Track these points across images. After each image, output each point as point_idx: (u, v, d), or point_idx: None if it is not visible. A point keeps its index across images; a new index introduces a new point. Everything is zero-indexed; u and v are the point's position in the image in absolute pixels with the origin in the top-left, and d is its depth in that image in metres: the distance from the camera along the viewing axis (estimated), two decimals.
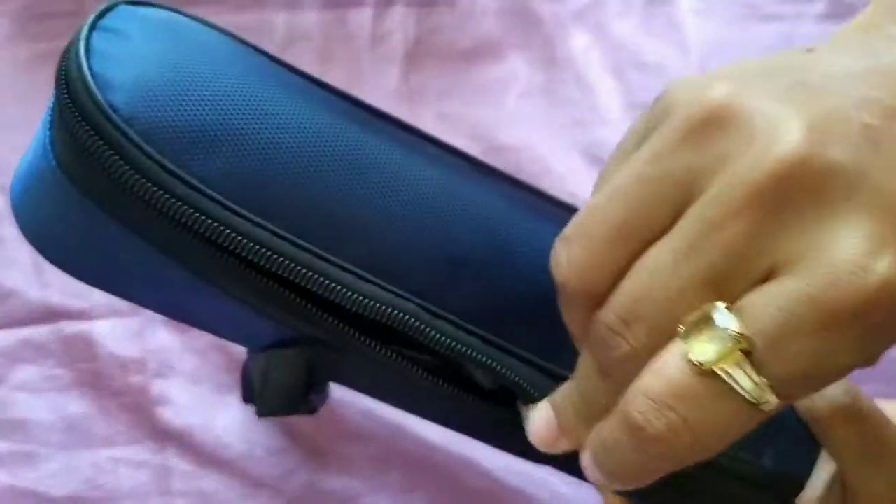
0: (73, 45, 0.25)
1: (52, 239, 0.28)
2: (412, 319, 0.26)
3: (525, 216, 0.30)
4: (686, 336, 0.21)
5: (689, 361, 0.21)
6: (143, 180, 0.24)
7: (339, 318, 0.26)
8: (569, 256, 0.23)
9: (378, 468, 0.41)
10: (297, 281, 0.25)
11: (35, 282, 0.41)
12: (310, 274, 0.25)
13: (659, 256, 0.21)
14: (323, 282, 0.25)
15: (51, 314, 0.41)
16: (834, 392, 0.29)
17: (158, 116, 0.24)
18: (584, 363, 0.24)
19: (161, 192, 0.24)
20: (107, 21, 0.26)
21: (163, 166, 0.24)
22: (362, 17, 0.45)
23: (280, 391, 0.28)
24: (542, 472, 0.42)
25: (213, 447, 0.40)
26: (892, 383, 0.49)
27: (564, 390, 0.25)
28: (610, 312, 0.22)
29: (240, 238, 0.24)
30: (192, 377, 0.41)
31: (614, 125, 0.46)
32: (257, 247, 0.25)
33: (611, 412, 0.22)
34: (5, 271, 0.41)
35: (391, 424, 0.41)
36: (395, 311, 0.26)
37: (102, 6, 0.27)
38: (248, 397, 0.30)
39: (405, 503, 0.42)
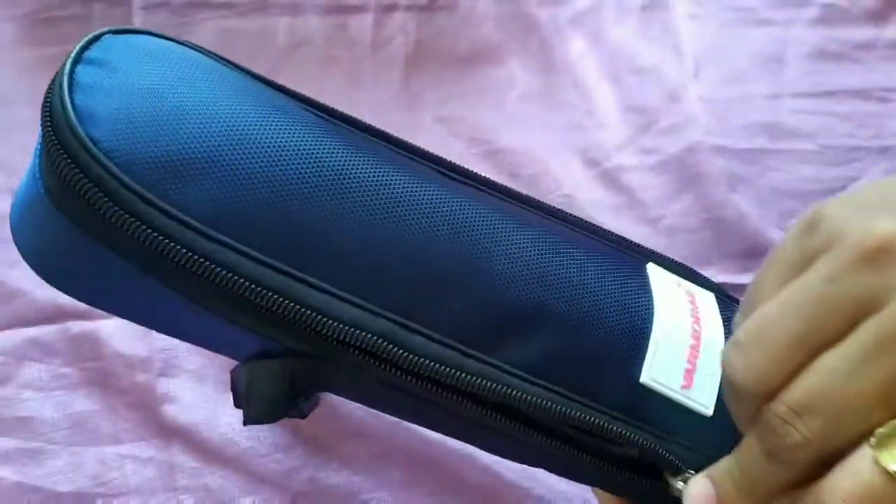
0: (58, 77, 0.26)
1: (46, 259, 0.29)
2: (383, 341, 0.27)
3: (511, 229, 0.30)
4: (878, 446, 0.24)
5: (883, 468, 0.24)
6: (121, 212, 0.25)
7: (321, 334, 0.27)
8: (745, 362, 0.26)
9: (379, 464, 0.42)
10: (273, 308, 0.26)
11: (42, 282, 0.41)
12: (284, 301, 0.26)
13: (835, 361, 0.25)
14: (297, 309, 0.26)
15: (58, 313, 0.41)
16: None
17: (139, 148, 0.25)
18: (749, 446, 0.27)
19: (138, 222, 0.25)
20: (92, 52, 0.27)
21: (142, 197, 0.25)
22: (363, 23, 0.45)
23: (263, 402, 0.29)
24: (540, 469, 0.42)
25: (217, 444, 0.41)
26: None
27: (723, 466, 0.28)
28: (782, 404, 0.25)
29: (213, 266, 0.25)
30: (197, 376, 0.42)
31: (611, 128, 0.46)
32: (230, 275, 0.25)
33: (795, 498, 0.26)
34: (12, 271, 0.41)
35: (392, 421, 0.41)
36: (368, 335, 0.27)
37: (87, 36, 0.27)
38: (238, 403, 0.31)
39: (406, 498, 0.42)
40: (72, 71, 0.26)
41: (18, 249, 0.29)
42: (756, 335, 0.26)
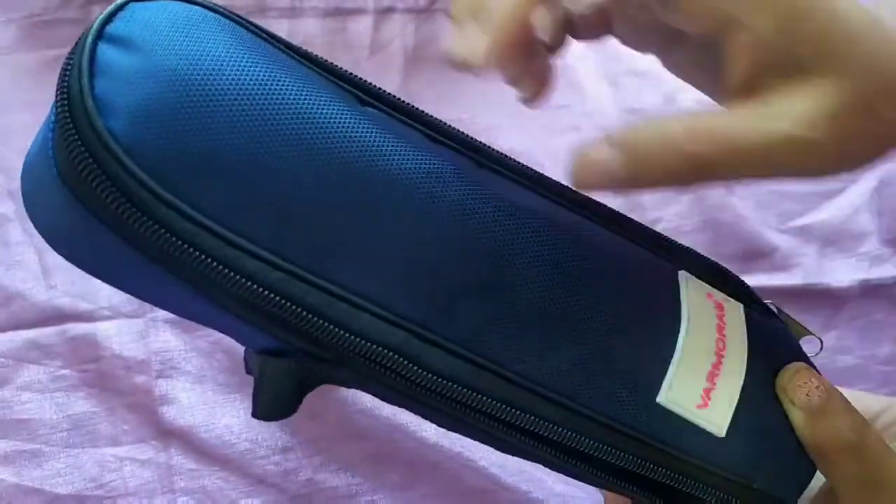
0: (77, 54, 0.24)
1: (56, 233, 0.27)
2: (398, 356, 0.26)
3: (542, 232, 0.29)
4: None
5: None
6: (139, 213, 0.24)
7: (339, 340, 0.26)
8: None
9: (377, 466, 0.42)
10: (291, 318, 0.25)
11: (41, 284, 0.41)
12: (303, 312, 0.25)
13: None
14: (316, 320, 0.25)
15: (57, 316, 0.41)
16: (840, 427, 0.30)
17: (161, 145, 0.24)
18: None
19: (156, 225, 0.24)
20: (115, 27, 0.25)
21: (161, 198, 0.23)
22: (362, 25, 0.45)
23: (271, 401, 0.28)
24: (538, 471, 0.42)
25: (216, 446, 0.41)
26: (886, 385, 0.50)
27: None
28: None
29: (233, 274, 0.24)
30: (195, 377, 0.42)
31: (608, 130, 0.46)
32: (250, 283, 0.24)
33: None
34: (12, 273, 0.41)
35: (390, 423, 0.41)
36: (383, 349, 0.26)
37: (111, 7, 0.25)
38: (248, 370, 0.30)
39: (403, 500, 0.42)
40: (93, 49, 0.24)
41: (29, 218, 0.27)
42: None
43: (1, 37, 0.42)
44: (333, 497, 0.42)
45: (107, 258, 0.27)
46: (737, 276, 0.34)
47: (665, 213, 0.46)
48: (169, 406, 0.41)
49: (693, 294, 0.31)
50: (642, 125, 0.26)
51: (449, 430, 0.30)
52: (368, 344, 0.26)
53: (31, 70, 0.42)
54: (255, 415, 0.29)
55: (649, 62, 0.48)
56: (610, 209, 0.33)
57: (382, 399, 0.29)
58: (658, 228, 0.46)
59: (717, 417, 0.29)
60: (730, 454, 0.29)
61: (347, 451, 0.42)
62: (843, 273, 0.48)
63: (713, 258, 0.47)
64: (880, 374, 0.49)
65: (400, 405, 0.29)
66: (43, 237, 0.27)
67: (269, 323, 0.26)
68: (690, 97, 0.47)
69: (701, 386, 0.29)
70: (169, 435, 0.41)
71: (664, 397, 0.29)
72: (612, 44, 0.48)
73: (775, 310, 0.35)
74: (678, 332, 0.30)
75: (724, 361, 0.30)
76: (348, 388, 0.30)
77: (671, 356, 0.29)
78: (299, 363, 0.27)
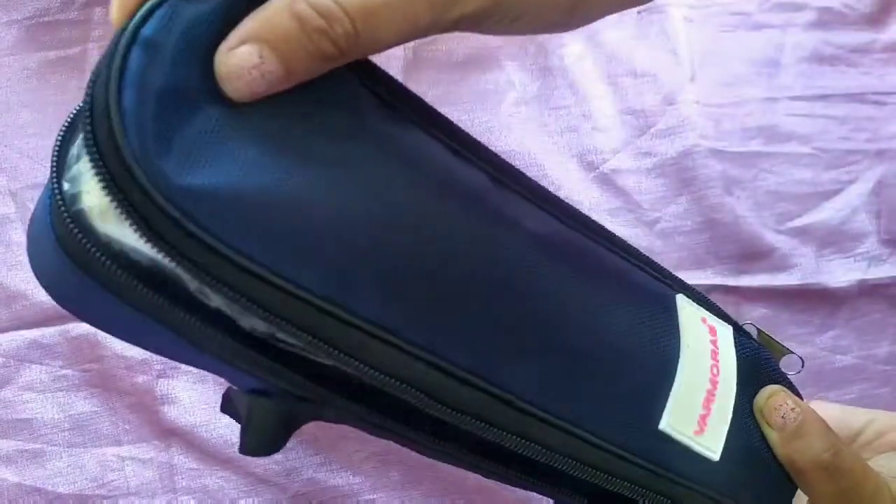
0: (69, 125, 0.23)
1: (53, 287, 0.26)
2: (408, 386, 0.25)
3: (545, 261, 0.28)
4: None
5: None
6: (128, 276, 0.23)
7: (330, 388, 0.26)
8: None
9: (378, 465, 0.42)
10: (279, 372, 0.25)
11: None
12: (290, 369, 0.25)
13: None
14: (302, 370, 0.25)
15: (58, 316, 0.41)
16: (815, 447, 0.31)
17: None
18: None
19: (146, 289, 0.23)
20: (149, 28, 0.22)
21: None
22: None
23: (258, 438, 0.28)
24: None
25: (217, 445, 0.41)
26: (885, 384, 0.50)
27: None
28: None
29: (220, 335, 0.24)
30: (196, 376, 0.42)
31: (608, 131, 0.46)
32: (249, 349, 0.25)
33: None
34: (13, 274, 0.41)
35: None
36: (398, 382, 0.25)
37: (148, 5, 0.22)
38: (225, 409, 0.30)
39: (404, 499, 0.42)
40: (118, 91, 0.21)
41: (32, 269, 0.26)
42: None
43: (2, 38, 0.42)
44: (334, 496, 0.42)
45: (103, 314, 0.27)
46: (714, 303, 0.35)
47: (664, 213, 0.46)
48: (170, 406, 0.41)
49: (690, 319, 0.32)
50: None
51: (436, 459, 0.30)
52: (386, 377, 0.25)
53: (33, 71, 0.42)
54: (241, 451, 0.28)
55: (649, 63, 0.48)
56: (621, 240, 0.32)
57: (370, 434, 0.29)
58: (657, 228, 0.47)
59: (712, 442, 0.30)
60: (721, 476, 0.30)
61: (348, 450, 0.42)
62: (841, 273, 0.48)
63: (711, 259, 0.47)
64: (879, 373, 0.50)
65: (385, 438, 0.29)
66: (40, 282, 0.27)
67: (262, 372, 0.26)
68: (690, 99, 0.47)
69: (698, 412, 0.30)
70: (170, 434, 0.41)
71: (666, 424, 0.29)
72: (611, 44, 0.48)
73: (755, 331, 0.35)
74: (678, 357, 0.30)
75: (718, 386, 0.30)
76: (336, 423, 0.29)
77: (672, 382, 0.29)
78: (285, 402, 0.27)
